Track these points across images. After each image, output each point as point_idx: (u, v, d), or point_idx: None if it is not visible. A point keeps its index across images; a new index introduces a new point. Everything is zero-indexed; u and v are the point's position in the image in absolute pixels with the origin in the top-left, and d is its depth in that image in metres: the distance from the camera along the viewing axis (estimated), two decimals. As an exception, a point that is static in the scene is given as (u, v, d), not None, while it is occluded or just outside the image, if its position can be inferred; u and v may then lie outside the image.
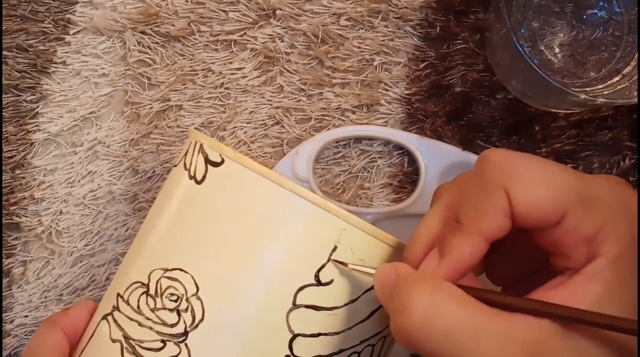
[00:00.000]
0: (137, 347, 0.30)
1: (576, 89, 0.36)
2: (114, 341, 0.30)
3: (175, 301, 0.30)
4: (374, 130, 0.43)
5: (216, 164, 0.31)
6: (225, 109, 0.44)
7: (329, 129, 0.44)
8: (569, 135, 0.43)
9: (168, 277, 0.30)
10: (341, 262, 0.30)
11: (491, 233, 0.27)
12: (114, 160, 0.44)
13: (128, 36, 0.44)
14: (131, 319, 0.30)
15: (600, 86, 0.41)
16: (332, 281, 0.30)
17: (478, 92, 0.44)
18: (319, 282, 0.29)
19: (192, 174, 0.31)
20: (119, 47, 0.44)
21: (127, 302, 0.31)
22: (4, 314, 0.44)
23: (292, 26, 0.44)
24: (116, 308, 0.31)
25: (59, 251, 0.44)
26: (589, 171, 0.43)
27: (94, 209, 0.44)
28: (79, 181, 0.44)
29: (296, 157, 0.43)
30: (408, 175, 0.44)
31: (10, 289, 0.44)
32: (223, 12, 0.44)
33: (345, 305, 0.30)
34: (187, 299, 0.29)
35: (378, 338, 0.32)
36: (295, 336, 0.29)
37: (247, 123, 0.44)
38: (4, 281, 0.44)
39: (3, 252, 0.44)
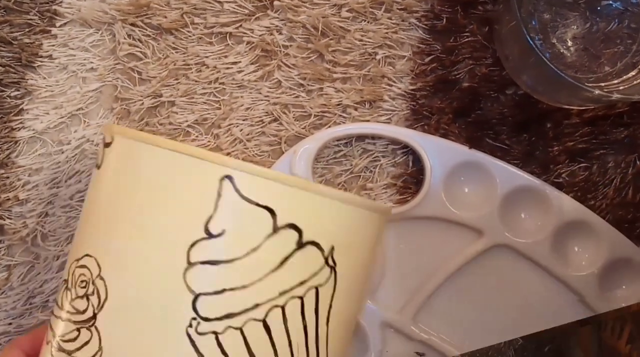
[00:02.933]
0: (60, 343, 0.31)
1: (590, 84, 0.38)
2: (47, 342, 0.33)
3: (84, 287, 0.31)
4: (377, 127, 0.43)
5: (109, 145, 0.32)
6: (220, 105, 0.44)
7: (329, 126, 0.44)
8: (583, 132, 0.43)
9: (79, 266, 0.32)
10: None
11: None
12: (102, 160, 0.44)
13: (118, 28, 0.44)
14: (57, 317, 0.32)
15: (615, 81, 0.41)
16: (224, 231, 0.29)
17: (486, 87, 0.44)
18: (210, 235, 0.29)
19: (98, 163, 0.33)
20: (108, 40, 0.44)
21: (56, 303, 0.33)
22: (-14, 322, 0.44)
23: (291, 18, 0.44)
24: (52, 313, 0.34)
25: (45, 255, 0.44)
26: (603, 170, 0.44)
27: (81, 210, 0.43)
28: (65, 181, 0.44)
29: (295, 156, 0.43)
30: (413, 175, 0.44)
31: (-6, 295, 0.44)
32: (218, 3, 0.44)
33: (247, 255, 0.30)
34: (92, 282, 0.31)
35: (305, 289, 0.31)
36: (197, 296, 0.29)
37: (243, 120, 0.44)
38: (-13, 286, 0.44)
39: (-14, 256, 0.44)
